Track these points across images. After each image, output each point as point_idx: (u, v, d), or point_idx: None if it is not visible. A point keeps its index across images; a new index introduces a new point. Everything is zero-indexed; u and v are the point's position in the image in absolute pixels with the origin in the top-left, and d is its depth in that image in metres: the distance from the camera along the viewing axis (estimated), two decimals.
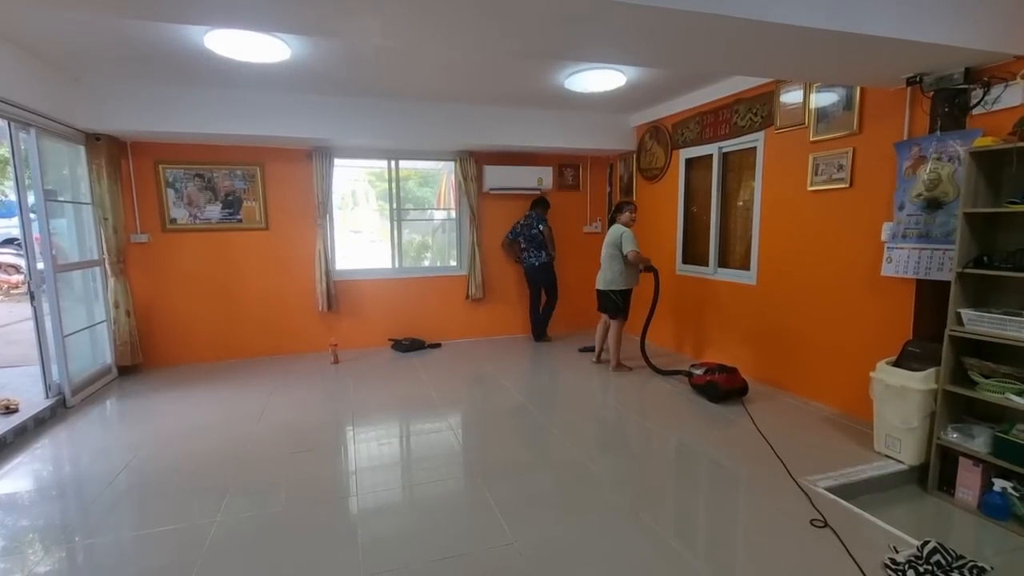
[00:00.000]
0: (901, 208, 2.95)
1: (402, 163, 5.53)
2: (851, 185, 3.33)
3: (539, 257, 5.42)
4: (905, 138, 2.99)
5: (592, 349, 4.88)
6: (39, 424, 3.44)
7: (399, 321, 5.49)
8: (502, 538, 2.17)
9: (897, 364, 2.81)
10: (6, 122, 3.35)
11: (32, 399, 3.64)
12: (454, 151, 5.43)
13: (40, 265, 3.69)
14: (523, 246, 5.50)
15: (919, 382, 2.62)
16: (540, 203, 5.54)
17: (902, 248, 2.95)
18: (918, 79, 2.78)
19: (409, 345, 5.29)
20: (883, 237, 3.09)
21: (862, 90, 3.22)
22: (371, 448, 3.15)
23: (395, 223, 5.57)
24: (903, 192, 2.95)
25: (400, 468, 2.93)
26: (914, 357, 2.76)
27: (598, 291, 4.54)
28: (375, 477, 2.74)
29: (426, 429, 3.48)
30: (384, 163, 5.45)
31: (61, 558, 2.09)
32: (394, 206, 5.54)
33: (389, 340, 5.44)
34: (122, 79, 3.97)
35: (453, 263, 5.92)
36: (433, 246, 6.19)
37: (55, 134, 3.81)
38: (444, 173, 6.06)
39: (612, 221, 4.55)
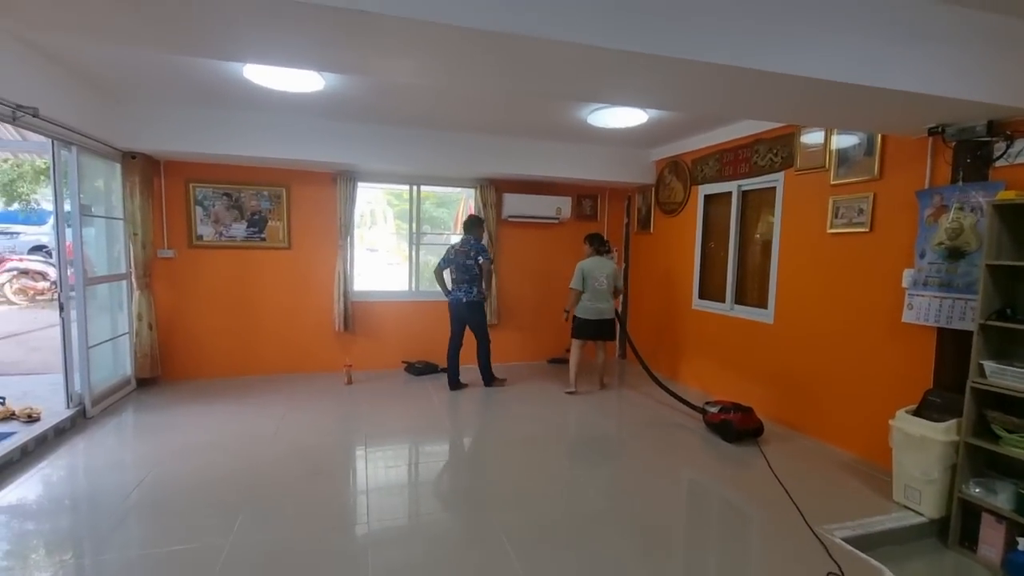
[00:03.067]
0: (922, 256, 2.95)
1: (423, 187, 5.64)
2: (871, 230, 3.33)
3: (469, 293, 4.64)
4: (927, 186, 3.00)
5: (563, 361, 5.10)
6: (59, 434, 3.50)
7: (413, 344, 5.52)
8: (511, 571, 2.15)
9: (917, 413, 2.77)
10: (50, 140, 3.51)
11: (54, 408, 3.71)
12: (475, 178, 5.53)
13: (71, 276, 3.80)
14: (453, 277, 4.70)
15: (940, 433, 2.58)
16: (474, 224, 4.75)
17: (923, 296, 2.94)
18: (940, 129, 2.81)
19: (422, 368, 5.31)
20: (904, 283, 3.07)
21: (883, 136, 3.25)
22: (382, 473, 3.16)
23: (414, 247, 5.65)
24: (924, 240, 2.95)
25: (411, 494, 2.93)
26: (935, 407, 2.72)
27: (602, 321, 4.66)
28: (386, 502, 2.75)
29: (437, 455, 3.48)
30: (406, 187, 5.57)
31: (71, 571, 2.12)
32: (414, 230, 5.63)
33: (403, 363, 5.47)
34: (160, 102, 4.13)
35: None
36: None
37: (94, 152, 3.96)
38: (463, 196, 6.17)
39: (598, 252, 4.72)
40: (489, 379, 4.95)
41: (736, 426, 3.62)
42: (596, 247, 4.73)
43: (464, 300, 4.65)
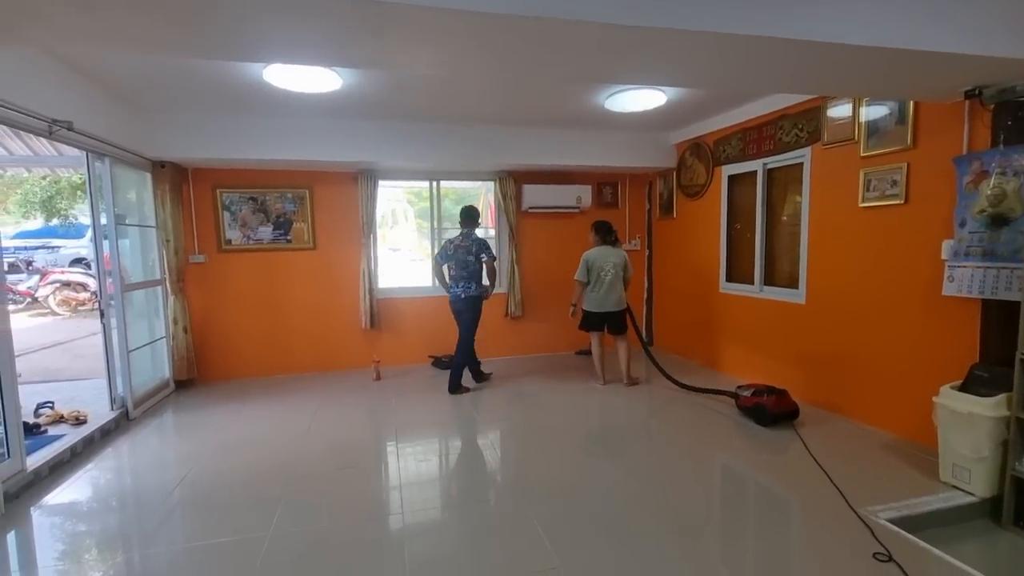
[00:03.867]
0: (962, 225, 2.82)
1: (442, 183, 5.66)
2: (906, 201, 3.21)
3: (468, 289, 4.44)
4: (964, 152, 2.87)
5: (590, 352, 4.83)
6: (104, 435, 3.64)
7: (439, 338, 5.55)
8: (548, 561, 2.15)
9: (964, 388, 2.66)
10: (84, 153, 3.64)
11: (99, 411, 3.85)
12: (494, 171, 5.53)
13: (109, 285, 3.94)
14: (452, 273, 4.53)
15: (989, 408, 2.47)
16: (473, 216, 4.54)
17: (965, 267, 2.81)
18: (977, 92, 2.68)
19: (449, 362, 5.33)
20: (943, 255, 2.95)
21: (916, 103, 3.12)
22: (414, 465, 3.19)
23: (436, 242, 5.68)
24: (964, 208, 2.82)
25: (443, 486, 2.95)
26: (982, 382, 2.61)
27: (612, 312, 4.46)
28: (419, 494, 2.78)
29: (468, 447, 3.50)
30: (426, 183, 5.60)
31: (121, 566, 2.20)
32: (435, 225, 5.66)
33: (429, 357, 5.51)
34: (186, 110, 4.24)
35: None
36: None
37: (125, 163, 4.09)
38: (482, 192, 6.17)
39: (604, 241, 4.53)
40: (455, 385, 4.49)
41: (771, 409, 3.54)
42: (602, 236, 4.53)
43: (463, 296, 4.45)
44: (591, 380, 4.77)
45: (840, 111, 3.59)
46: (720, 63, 2.31)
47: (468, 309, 4.49)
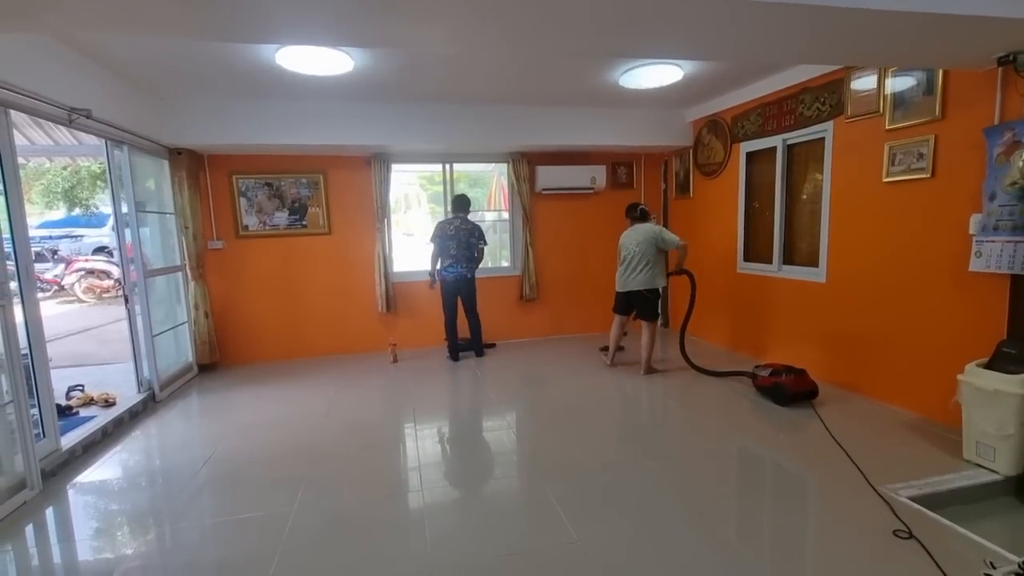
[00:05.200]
0: (992, 198, 2.73)
1: (455, 166, 5.64)
2: (933, 175, 3.11)
3: (470, 269, 4.85)
4: (996, 122, 2.77)
5: (620, 348, 4.70)
6: (133, 416, 3.75)
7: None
8: (565, 536, 2.18)
9: (990, 366, 2.61)
10: (103, 141, 3.68)
11: (126, 394, 3.97)
12: (507, 152, 5.48)
13: (132, 271, 4.02)
14: (452, 252, 4.78)
15: (1017, 386, 2.42)
16: (463, 202, 4.90)
17: (994, 241, 2.73)
18: (1011, 58, 2.56)
19: (464, 345, 5.38)
20: (971, 230, 2.87)
21: (945, 73, 3.01)
22: (433, 445, 3.24)
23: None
24: (994, 181, 2.73)
25: (461, 464, 2.99)
26: (1010, 359, 2.55)
27: (630, 292, 4.32)
28: (438, 472, 2.82)
29: (485, 427, 3.54)
30: (438, 167, 5.58)
31: (153, 537, 2.28)
32: (448, 210, 5.64)
33: (445, 340, 5.54)
34: (201, 97, 4.27)
35: (505, 264, 5.98)
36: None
37: (143, 150, 4.14)
38: (495, 175, 6.13)
39: (640, 218, 4.40)
40: (480, 350, 5.18)
41: (789, 388, 3.51)
42: (629, 215, 4.49)
43: (469, 276, 4.86)
44: (605, 361, 4.76)
45: (864, 83, 3.48)
46: (740, 32, 2.24)
47: (472, 291, 4.96)
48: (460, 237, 4.77)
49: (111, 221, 4.00)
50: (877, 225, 3.49)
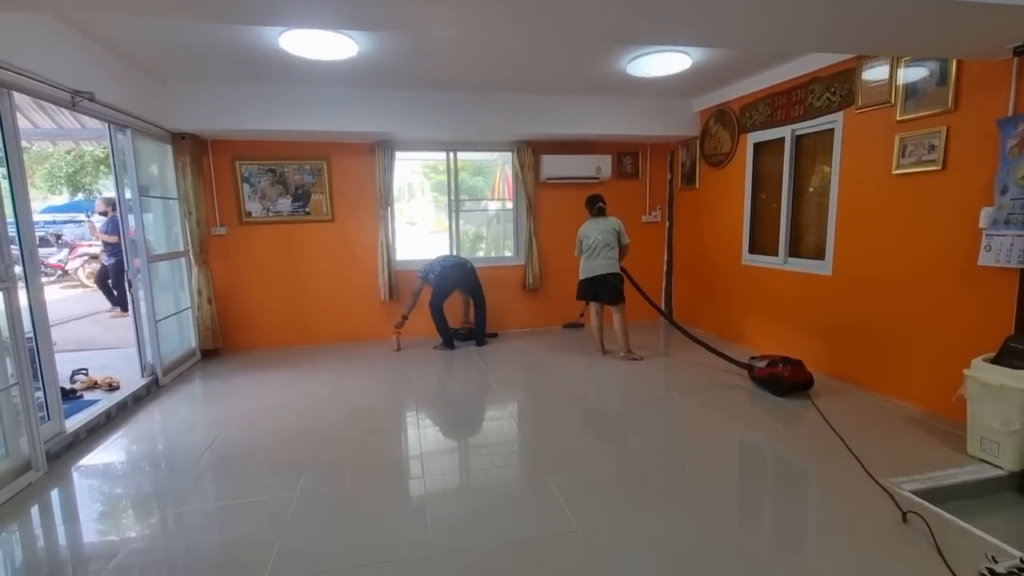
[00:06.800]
0: (1004, 192, 2.70)
1: (459, 155, 5.60)
2: (944, 167, 3.07)
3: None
4: (1010, 114, 2.72)
5: (579, 326, 5.00)
6: (136, 401, 3.77)
7: (457, 310, 5.58)
8: (566, 525, 2.18)
9: (996, 361, 2.59)
10: (106, 125, 3.66)
11: (130, 378, 3.98)
12: (512, 141, 5.44)
13: (136, 256, 4.02)
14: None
15: (1022, 381, 2.40)
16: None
17: (1004, 235, 2.70)
18: None
19: (467, 334, 5.38)
20: (981, 223, 2.83)
21: (959, 63, 2.96)
22: (435, 432, 3.25)
23: (453, 214, 5.66)
24: (1006, 174, 2.69)
25: (463, 452, 3.00)
26: (1017, 354, 2.53)
27: (598, 277, 4.49)
28: (440, 460, 2.83)
29: (486, 415, 3.55)
30: (442, 155, 5.54)
31: (156, 520, 2.30)
32: (452, 198, 5.62)
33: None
34: (204, 81, 4.23)
35: (508, 253, 5.96)
36: (487, 237, 6.25)
37: (147, 134, 4.11)
38: (499, 164, 6.09)
39: (600, 213, 4.61)
40: (482, 339, 5.28)
41: (787, 379, 3.52)
42: (589, 208, 4.67)
43: (469, 266, 5.14)
44: (595, 352, 4.77)
45: (876, 73, 3.42)
46: (756, 19, 2.20)
47: (476, 280, 5.15)
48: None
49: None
50: (885, 218, 3.45)
